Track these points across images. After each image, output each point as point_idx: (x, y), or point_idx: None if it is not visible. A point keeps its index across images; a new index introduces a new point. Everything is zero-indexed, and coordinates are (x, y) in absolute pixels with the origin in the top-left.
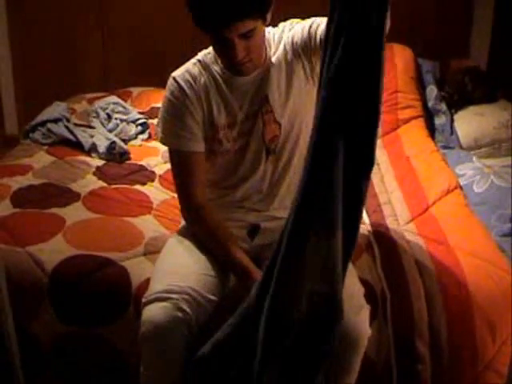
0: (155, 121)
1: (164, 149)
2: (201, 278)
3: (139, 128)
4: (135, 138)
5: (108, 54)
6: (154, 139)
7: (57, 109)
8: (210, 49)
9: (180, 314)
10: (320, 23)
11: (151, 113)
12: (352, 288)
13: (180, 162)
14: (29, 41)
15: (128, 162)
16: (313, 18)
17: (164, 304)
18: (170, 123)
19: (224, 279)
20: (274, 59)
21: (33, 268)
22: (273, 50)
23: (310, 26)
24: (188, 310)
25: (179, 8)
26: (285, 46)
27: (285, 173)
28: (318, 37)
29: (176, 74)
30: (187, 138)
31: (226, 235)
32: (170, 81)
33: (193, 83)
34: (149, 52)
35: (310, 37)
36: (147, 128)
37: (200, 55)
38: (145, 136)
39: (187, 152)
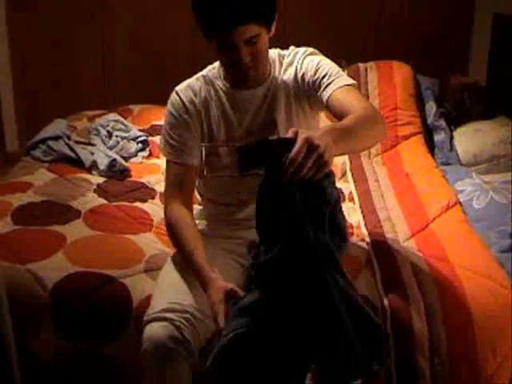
0: (156, 138)
1: (164, 166)
2: (202, 295)
3: (140, 145)
4: (136, 155)
5: (108, 72)
6: (155, 156)
7: (57, 126)
8: (215, 64)
9: (179, 334)
10: (333, 79)
11: (151, 130)
12: None
13: (170, 171)
14: (29, 58)
15: (128, 179)
16: (328, 65)
17: (164, 323)
18: (168, 135)
19: None
20: (281, 81)
21: (33, 285)
22: (279, 70)
23: (323, 77)
24: (188, 329)
25: (180, 25)
26: (296, 74)
27: None
28: (325, 97)
29: (179, 88)
30: (181, 149)
31: (191, 247)
32: (173, 94)
33: (194, 98)
34: (149, 70)
35: (319, 88)
36: (148, 145)
37: (205, 70)
38: (145, 153)
39: (179, 163)
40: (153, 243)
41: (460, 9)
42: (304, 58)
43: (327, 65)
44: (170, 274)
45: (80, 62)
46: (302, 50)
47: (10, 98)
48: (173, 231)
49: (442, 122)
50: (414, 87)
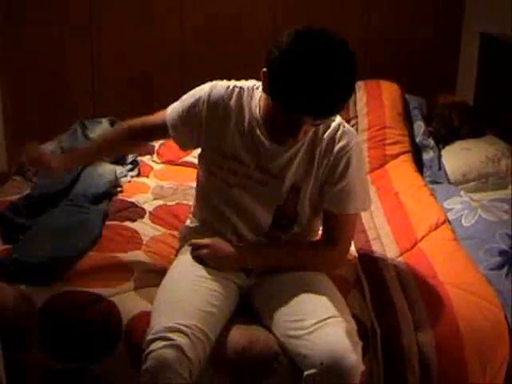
0: (145, 158)
1: (153, 186)
2: (205, 316)
3: (129, 165)
4: (125, 175)
5: (98, 89)
6: (144, 176)
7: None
8: (260, 84)
9: (182, 354)
10: (344, 201)
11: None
12: (350, 325)
13: (154, 118)
14: (18, 76)
15: (118, 198)
16: (355, 179)
17: (168, 343)
18: (177, 106)
19: (226, 313)
20: (319, 151)
21: (22, 304)
22: (328, 140)
23: (339, 192)
24: (191, 350)
25: (169, 39)
26: (334, 164)
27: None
28: (325, 205)
29: (216, 87)
30: (176, 119)
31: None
32: (207, 89)
33: (220, 106)
34: (138, 85)
35: (328, 192)
36: (137, 165)
37: (248, 84)
38: (134, 173)
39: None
40: (142, 261)
41: (447, 28)
42: (348, 160)
43: (354, 178)
44: (170, 289)
45: (69, 79)
46: (353, 149)
47: None
48: None
49: (431, 141)
50: (402, 106)
